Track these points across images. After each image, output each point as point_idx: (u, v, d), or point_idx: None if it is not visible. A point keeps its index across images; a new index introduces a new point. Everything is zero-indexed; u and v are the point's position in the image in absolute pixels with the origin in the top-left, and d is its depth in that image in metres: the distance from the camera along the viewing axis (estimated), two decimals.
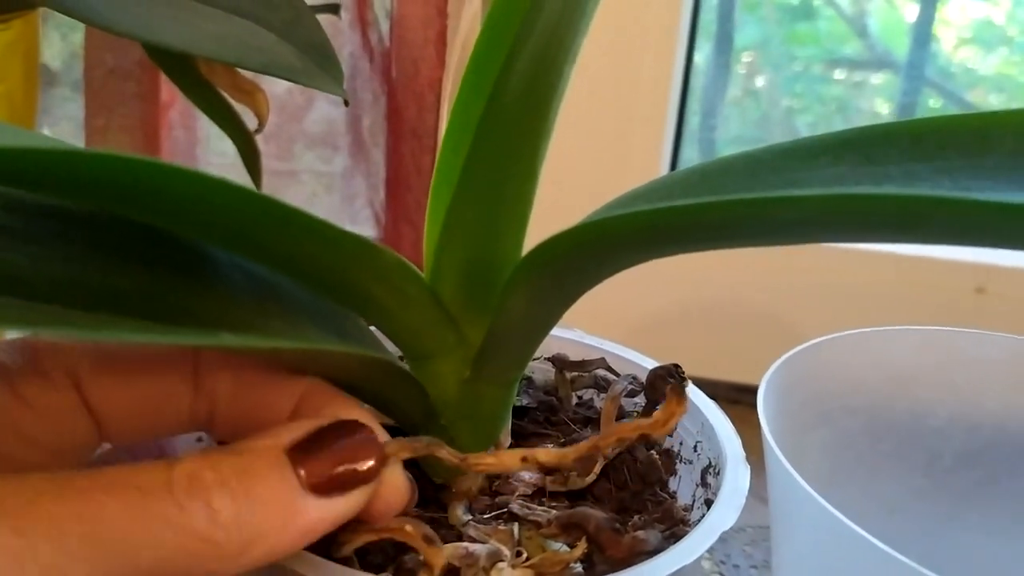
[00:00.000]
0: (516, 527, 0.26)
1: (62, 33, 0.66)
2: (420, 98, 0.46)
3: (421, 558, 0.24)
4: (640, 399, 0.31)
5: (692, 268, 0.55)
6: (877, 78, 0.81)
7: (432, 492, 0.28)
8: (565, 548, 0.26)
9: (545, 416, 0.32)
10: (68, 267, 0.20)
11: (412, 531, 0.23)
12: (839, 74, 0.81)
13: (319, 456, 0.20)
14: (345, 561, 0.24)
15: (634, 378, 0.31)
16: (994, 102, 0.78)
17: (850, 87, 0.81)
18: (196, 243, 0.23)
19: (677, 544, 0.24)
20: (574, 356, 0.34)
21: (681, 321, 0.58)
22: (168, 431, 0.24)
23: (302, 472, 0.20)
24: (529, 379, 0.35)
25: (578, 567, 0.25)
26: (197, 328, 0.20)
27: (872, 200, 0.17)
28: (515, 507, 0.27)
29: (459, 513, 0.27)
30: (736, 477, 0.27)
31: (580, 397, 0.34)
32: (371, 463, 0.21)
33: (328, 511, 0.20)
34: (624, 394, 0.30)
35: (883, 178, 0.21)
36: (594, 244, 0.21)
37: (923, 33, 0.73)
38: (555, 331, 0.35)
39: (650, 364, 0.32)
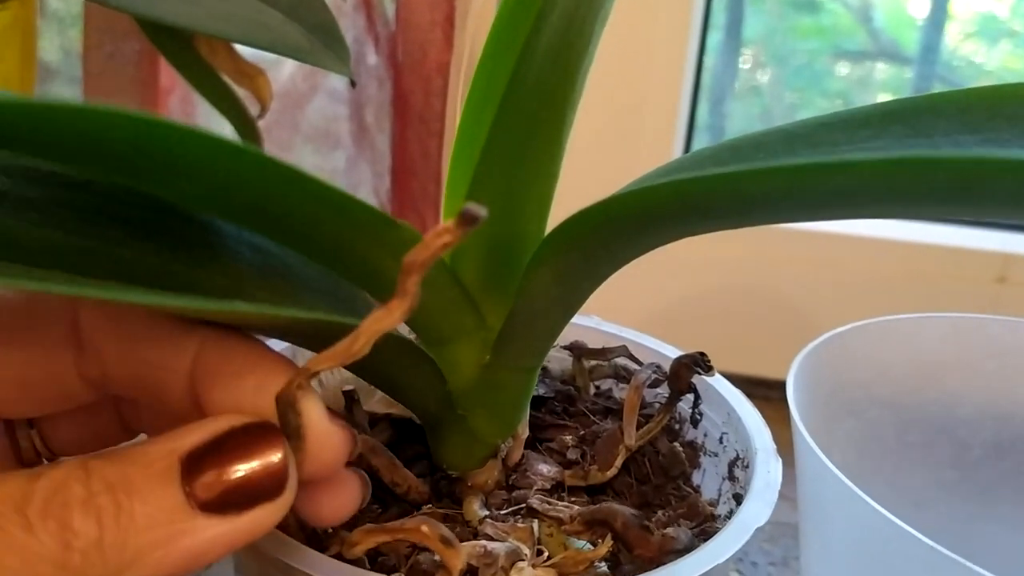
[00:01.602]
0: (536, 524, 0.25)
1: (60, 27, 0.65)
2: (427, 82, 0.45)
3: (438, 559, 0.22)
4: (664, 389, 0.30)
5: (707, 258, 0.54)
6: (881, 72, 0.81)
7: (447, 486, 0.27)
8: (588, 546, 0.24)
9: (563, 407, 0.31)
10: (68, 235, 0.19)
11: (428, 532, 0.21)
12: (843, 68, 0.80)
13: (216, 462, 0.18)
14: (356, 562, 0.23)
15: (657, 367, 0.30)
16: None
17: (854, 81, 0.80)
18: (203, 217, 0.22)
19: (708, 542, 0.23)
20: (593, 344, 0.33)
21: (694, 313, 0.57)
22: (62, 400, 0.22)
23: (194, 487, 0.17)
24: (545, 368, 0.34)
25: (603, 566, 0.24)
26: (173, 291, 0.19)
27: (930, 164, 0.16)
28: (535, 502, 0.26)
29: (475, 508, 0.26)
30: (768, 470, 0.26)
31: (598, 387, 0.33)
32: (277, 477, 0.18)
33: (223, 530, 0.18)
34: (647, 384, 0.29)
35: (930, 149, 0.20)
36: (626, 218, 0.20)
37: (936, 25, 0.73)
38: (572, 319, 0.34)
39: (671, 352, 0.32)
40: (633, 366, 0.32)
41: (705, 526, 0.26)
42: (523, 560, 0.23)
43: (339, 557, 0.22)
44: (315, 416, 0.19)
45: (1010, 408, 0.36)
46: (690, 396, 0.30)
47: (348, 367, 0.27)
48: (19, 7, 0.39)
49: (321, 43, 0.33)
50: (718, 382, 0.30)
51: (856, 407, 0.35)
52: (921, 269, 0.53)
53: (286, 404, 0.19)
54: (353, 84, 0.36)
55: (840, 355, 0.34)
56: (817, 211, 0.19)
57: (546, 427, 0.30)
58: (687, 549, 0.23)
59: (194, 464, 0.18)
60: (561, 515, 0.25)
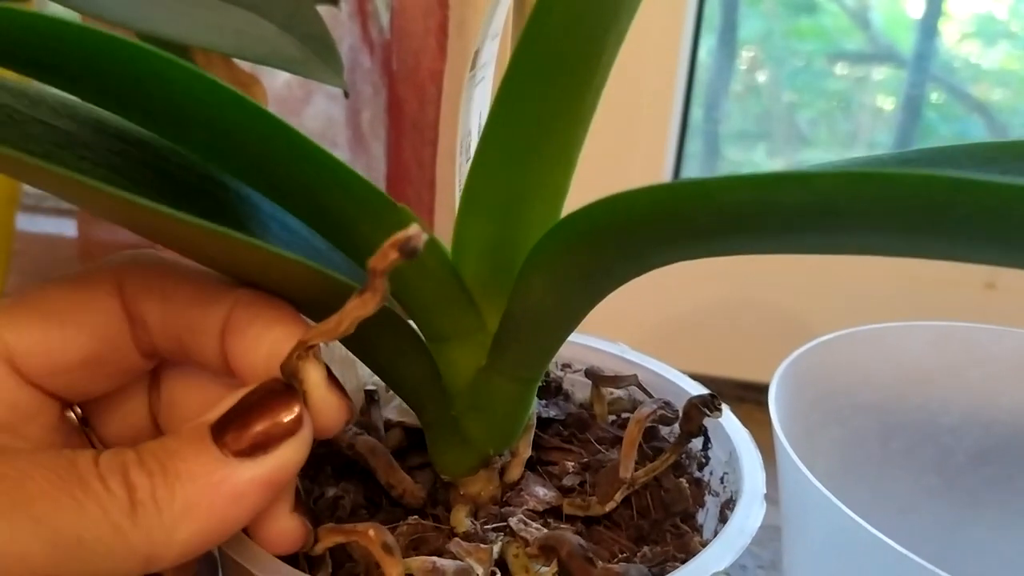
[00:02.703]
0: (497, 546, 0.25)
1: None
2: (421, 90, 0.45)
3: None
4: (677, 428, 0.29)
5: (703, 263, 0.54)
6: (879, 73, 0.81)
7: (443, 494, 0.28)
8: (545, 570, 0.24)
9: (571, 432, 0.31)
10: (112, 175, 0.20)
11: (374, 536, 0.22)
12: (841, 69, 0.80)
13: (238, 421, 0.21)
14: (319, 560, 0.24)
15: (666, 403, 0.29)
16: (997, 96, 0.78)
17: (852, 82, 0.80)
18: (240, 189, 0.23)
19: None
20: (612, 371, 0.33)
21: (690, 318, 0.57)
22: (124, 373, 0.24)
23: (224, 441, 0.20)
24: (567, 392, 0.33)
25: None
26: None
27: (889, 180, 0.15)
28: (513, 522, 0.26)
29: (461, 517, 0.26)
30: (747, 516, 0.25)
31: (619, 416, 0.33)
32: (292, 416, 0.21)
33: (257, 471, 0.20)
34: (653, 418, 0.29)
35: None
36: (613, 226, 0.19)
37: (929, 27, 0.73)
38: (597, 343, 0.34)
39: (691, 387, 0.31)
40: (645, 399, 0.31)
41: (667, 565, 0.25)
42: None
43: (303, 554, 0.23)
44: (313, 384, 0.21)
45: (993, 415, 0.36)
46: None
47: (355, 352, 0.27)
48: None
49: (314, 54, 0.33)
50: (727, 420, 0.29)
51: (841, 414, 0.35)
52: (910, 274, 0.53)
53: (289, 372, 0.21)
54: (347, 95, 0.36)
55: (825, 363, 0.34)
56: (791, 235, 0.19)
57: (551, 449, 0.30)
58: None
59: (222, 427, 0.20)
60: (528, 537, 0.25)
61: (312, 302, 0.23)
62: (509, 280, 0.23)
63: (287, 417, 0.21)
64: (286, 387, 0.21)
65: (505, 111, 0.21)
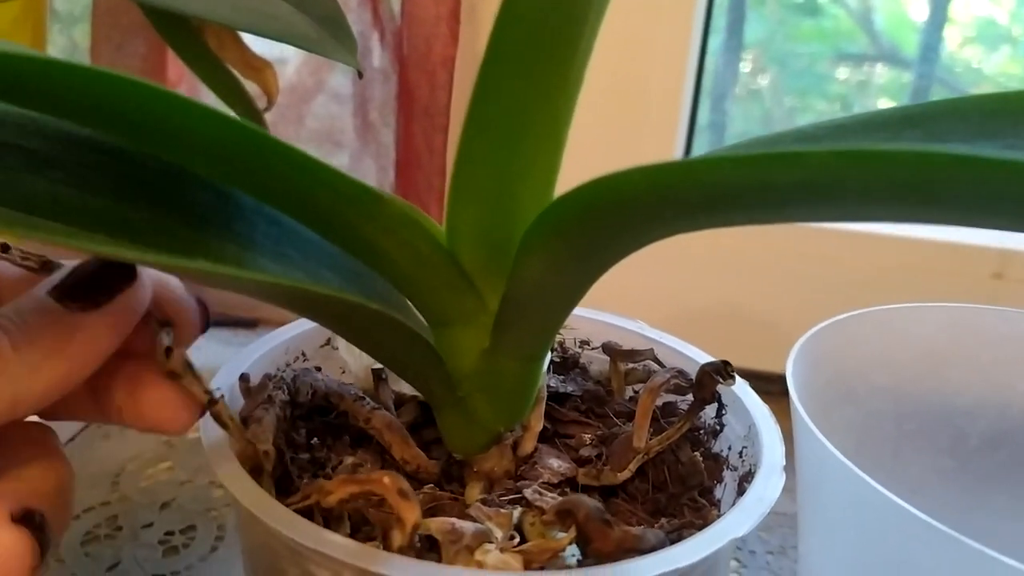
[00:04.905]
0: (517, 512, 0.25)
1: (63, 26, 0.66)
2: (432, 76, 0.45)
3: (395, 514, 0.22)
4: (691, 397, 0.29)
5: (709, 252, 0.54)
6: (882, 75, 0.81)
7: (457, 470, 0.28)
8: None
9: (589, 406, 0.31)
10: (84, 193, 0.20)
11: (389, 483, 0.22)
12: (843, 72, 0.81)
13: (77, 288, 0.22)
14: (336, 518, 0.24)
15: (679, 372, 0.29)
16: None
17: (855, 85, 0.80)
18: (223, 189, 0.23)
19: (675, 546, 0.23)
20: (630, 347, 0.33)
21: (696, 306, 0.57)
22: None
23: (67, 303, 0.22)
24: (584, 367, 0.33)
25: (575, 557, 0.24)
26: (178, 253, 0.20)
27: (877, 156, 0.14)
28: (528, 492, 0.26)
29: (476, 493, 0.26)
30: (766, 485, 0.25)
31: (636, 391, 0.33)
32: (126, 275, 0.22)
33: (103, 316, 0.22)
34: (667, 388, 0.29)
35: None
36: (603, 207, 0.19)
37: (936, 29, 0.73)
38: (616, 320, 0.34)
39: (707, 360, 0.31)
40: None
41: (684, 532, 0.25)
42: (491, 542, 0.23)
43: (317, 505, 0.23)
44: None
45: (1008, 398, 0.36)
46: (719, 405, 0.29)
47: (357, 345, 0.27)
48: None
49: (329, 34, 0.33)
50: (746, 394, 0.29)
51: (855, 395, 0.35)
52: (918, 265, 0.53)
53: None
54: (360, 75, 0.36)
55: (839, 343, 0.34)
56: (784, 208, 0.18)
57: (568, 423, 0.30)
58: (654, 550, 0.23)
59: (62, 293, 0.22)
60: (544, 505, 0.25)
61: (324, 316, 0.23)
62: (507, 261, 0.22)
63: (123, 277, 0.22)
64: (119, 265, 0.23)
65: (487, 92, 0.20)
